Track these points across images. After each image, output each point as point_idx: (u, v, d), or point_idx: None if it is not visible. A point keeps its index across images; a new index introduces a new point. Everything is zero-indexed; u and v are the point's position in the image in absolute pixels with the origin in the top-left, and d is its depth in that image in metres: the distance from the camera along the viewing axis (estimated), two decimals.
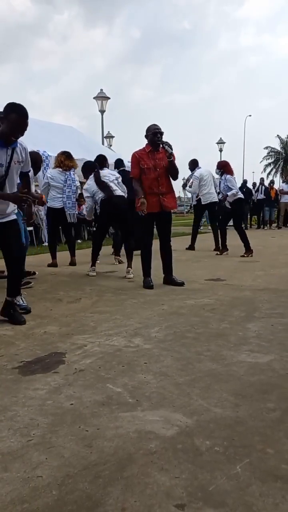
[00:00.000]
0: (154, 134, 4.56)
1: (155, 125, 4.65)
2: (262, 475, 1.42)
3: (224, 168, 7.75)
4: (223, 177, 7.72)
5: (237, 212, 7.72)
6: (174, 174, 4.70)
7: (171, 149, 4.51)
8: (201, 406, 1.90)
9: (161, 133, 4.59)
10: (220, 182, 7.93)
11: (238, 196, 7.55)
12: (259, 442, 1.61)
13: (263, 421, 1.77)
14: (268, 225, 15.85)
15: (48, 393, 2.05)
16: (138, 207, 4.55)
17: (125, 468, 1.46)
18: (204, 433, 1.68)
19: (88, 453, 1.55)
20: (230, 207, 7.62)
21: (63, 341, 2.84)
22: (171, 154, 4.54)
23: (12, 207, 3.33)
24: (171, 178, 4.71)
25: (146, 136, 4.65)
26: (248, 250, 7.29)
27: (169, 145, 4.51)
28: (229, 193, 7.54)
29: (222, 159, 8.22)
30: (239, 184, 17.24)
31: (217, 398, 1.98)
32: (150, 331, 3.02)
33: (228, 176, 7.63)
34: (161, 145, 4.56)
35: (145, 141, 4.71)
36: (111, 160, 8.84)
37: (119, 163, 8.13)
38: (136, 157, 4.63)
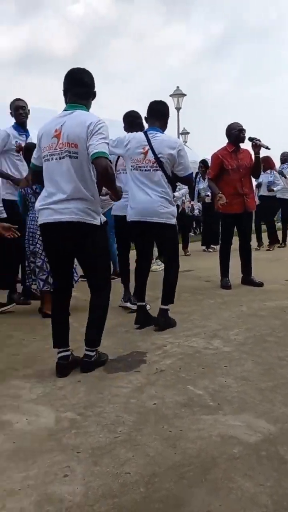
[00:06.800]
0: (240, 131, 4.44)
1: (237, 123, 4.53)
2: None
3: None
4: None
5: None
6: (259, 172, 4.69)
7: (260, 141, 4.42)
8: (284, 414, 1.87)
9: (244, 130, 4.50)
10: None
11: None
12: None
13: None
14: None
15: (131, 392, 2.14)
16: (217, 203, 4.37)
17: (209, 471, 1.49)
18: None
19: (173, 453, 1.61)
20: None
21: (144, 340, 2.93)
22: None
23: None
24: (252, 178, 4.67)
25: (229, 135, 4.52)
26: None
27: (258, 139, 4.42)
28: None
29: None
30: None
31: None
32: (229, 333, 3.01)
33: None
34: (251, 143, 4.44)
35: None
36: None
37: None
38: (219, 158, 4.48)
